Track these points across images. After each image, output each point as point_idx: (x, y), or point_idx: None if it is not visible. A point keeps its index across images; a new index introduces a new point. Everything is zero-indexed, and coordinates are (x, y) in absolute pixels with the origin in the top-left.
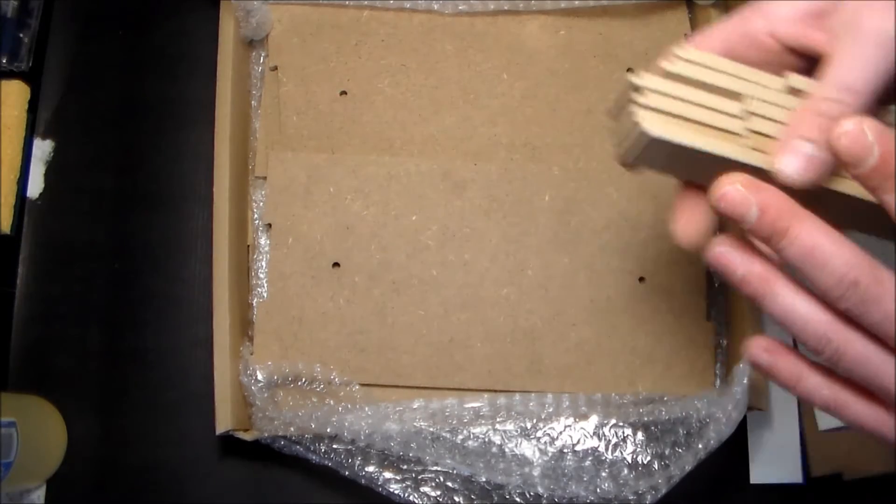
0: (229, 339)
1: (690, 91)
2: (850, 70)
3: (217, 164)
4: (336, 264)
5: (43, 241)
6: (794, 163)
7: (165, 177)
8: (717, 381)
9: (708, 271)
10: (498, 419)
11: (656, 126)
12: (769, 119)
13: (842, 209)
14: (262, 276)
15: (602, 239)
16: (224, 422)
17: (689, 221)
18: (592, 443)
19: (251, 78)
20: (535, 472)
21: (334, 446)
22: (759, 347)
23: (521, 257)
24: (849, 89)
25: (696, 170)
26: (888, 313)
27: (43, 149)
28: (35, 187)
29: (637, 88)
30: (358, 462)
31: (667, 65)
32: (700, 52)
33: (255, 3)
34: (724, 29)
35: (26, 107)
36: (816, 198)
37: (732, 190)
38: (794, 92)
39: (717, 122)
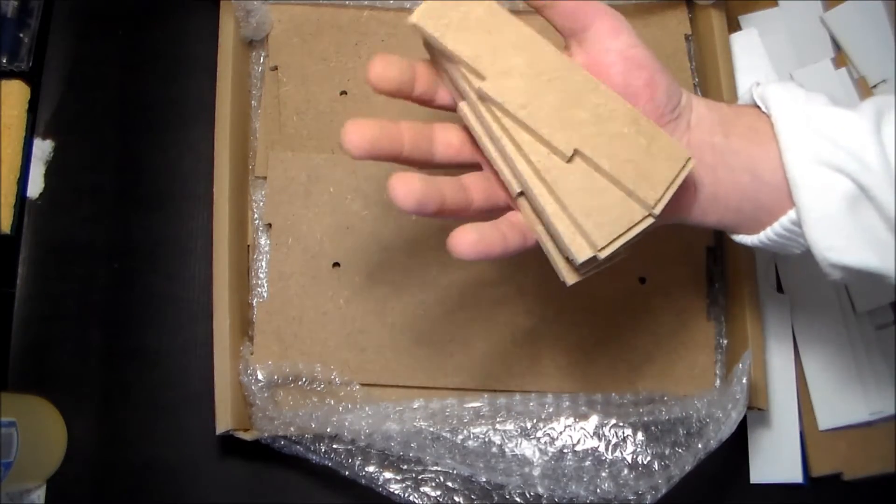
0: (229, 339)
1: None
2: None
3: (217, 164)
4: (336, 264)
5: (43, 241)
6: None
7: (165, 177)
8: (717, 381)
9: (708, 271)
10: (498, 419)
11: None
12: None
13: None
14: (262, 276)
15: None
16: (224, 422)
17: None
18: (592, 443)
19: (251, 78)
20: (535, 472)
21: (334, 446)
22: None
23: (522, 257)
24: None
25: (470, 43)
26: None
27: (43, 149)
28: (35, 187)
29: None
30: (358, 462)
31: None
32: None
33: (255, 3)
34: None
35: (26, 107)
36: None
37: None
38: None
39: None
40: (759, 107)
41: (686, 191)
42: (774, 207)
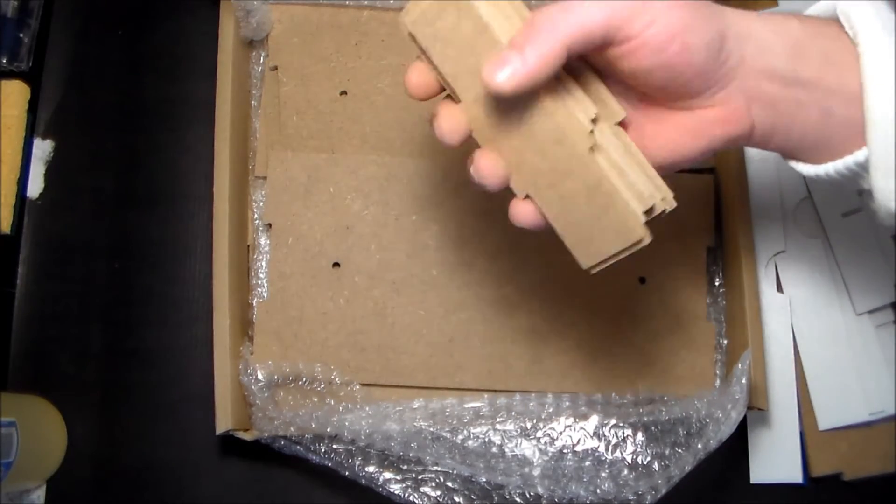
0: (229, 339)
1: None
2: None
3: (217, 164)
4: (336, 264)
5: (43, 241)
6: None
7: (165, 177)
8: (717, 381)
9: (708, 271)
10: (498, 419)
11: None
12: None
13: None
14: (262, 276)
15: None
16: (224, 422)
17: (419, 81)
18: (592, 443)
19: (251, 78)
20: (535, 473)
21: (334, 446)
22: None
23: (522, 257)
24: (567, 10)
25: (452, 60)
26: None
27: (43, 149)
28: (35, 187)
29: None
30: (358, 462)
31: None
32: None
33: (255, 3)
34: None
35: (26, 107)
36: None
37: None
38: None
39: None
40: (839, 21)
41: (735, 130)
42: (840, 145)
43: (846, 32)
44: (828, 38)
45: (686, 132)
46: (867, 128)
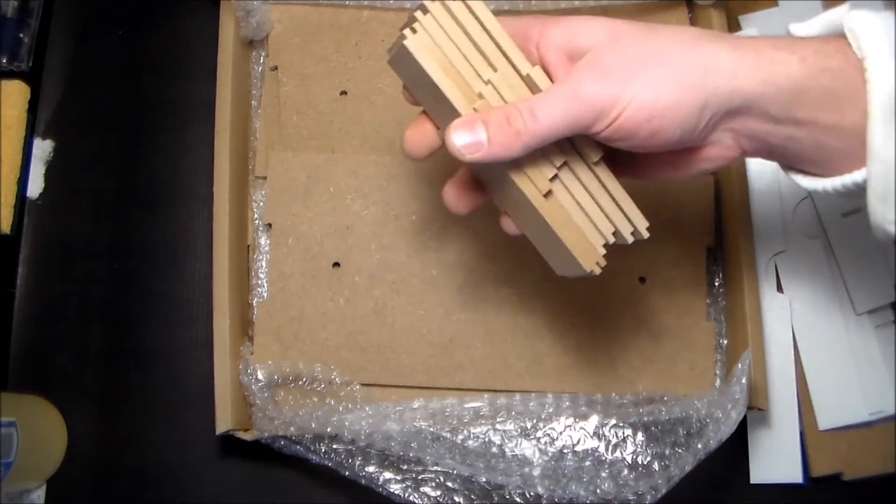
0: (229, 339)
1: (461, 37)
2: (549, 108)
3: (217, 164)
4: (336, 264)
5: (43, 241)
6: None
7: (165, 177)
8: (717, 381)
9: (708, 271)
10: (498, 419)
11: (416, 47)
12: (499, 95)
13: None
14: (262, 276)
15: None
16: (224, 422)
17: (417, 139)
18: (592, 443)
19: (251, 78)
20: (535, 472)
21: (334, 446)
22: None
23: (522, 257)
24: (537, 119)
25: (427, 99)
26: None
27: (43, 149)
28: (35, 187)
29: (425, 12)
30: (358, 462)
31: (452, 5)
32: (483, 7)
33: (255, 3)
34: (511, 24)
35: (26, 107)
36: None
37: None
38: (531, 84)
39: (462, 72)
40: (845, 38)
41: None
42: (837, 166)
43: (853, 52)
44: (831, 72)
45: (673, 166)
46: (868, 156)
